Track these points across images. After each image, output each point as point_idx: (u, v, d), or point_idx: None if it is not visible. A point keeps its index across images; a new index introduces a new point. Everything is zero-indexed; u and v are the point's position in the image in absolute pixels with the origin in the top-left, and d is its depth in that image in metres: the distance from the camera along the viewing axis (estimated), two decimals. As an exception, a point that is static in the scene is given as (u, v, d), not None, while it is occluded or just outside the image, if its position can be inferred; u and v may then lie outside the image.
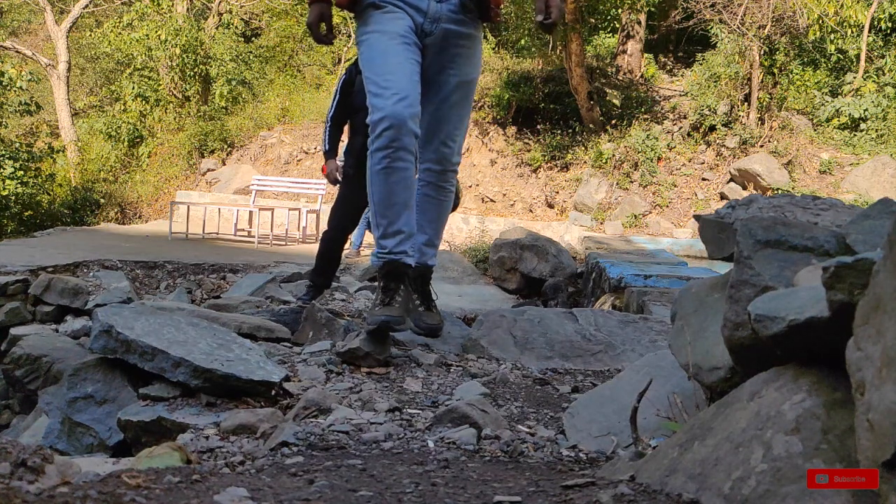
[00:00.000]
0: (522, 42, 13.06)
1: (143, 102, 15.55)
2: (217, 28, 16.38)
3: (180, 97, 15.44)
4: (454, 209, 3.29)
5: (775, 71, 12.01)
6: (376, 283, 2.49)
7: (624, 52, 14.58)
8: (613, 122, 12.64)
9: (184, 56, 14.73)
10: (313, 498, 1.08)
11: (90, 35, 17.30)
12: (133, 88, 15.54)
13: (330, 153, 4.49)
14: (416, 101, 2.30)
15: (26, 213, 12.98)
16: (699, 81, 12.84)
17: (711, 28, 12.62)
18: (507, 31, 13.12)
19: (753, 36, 11.58)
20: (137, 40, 14.77)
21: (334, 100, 4.37)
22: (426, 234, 2.65)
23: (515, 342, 2.65)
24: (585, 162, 12.09)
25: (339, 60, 15.28)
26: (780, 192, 10.15)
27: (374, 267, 2.48)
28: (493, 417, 1.65)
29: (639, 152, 11.79)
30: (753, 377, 1.13)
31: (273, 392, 1.99)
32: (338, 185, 4.56)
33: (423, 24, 2.39)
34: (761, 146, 11.57)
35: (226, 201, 11.90)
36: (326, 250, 4.45)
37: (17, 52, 16.32)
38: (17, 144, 13.50)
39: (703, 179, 11.70)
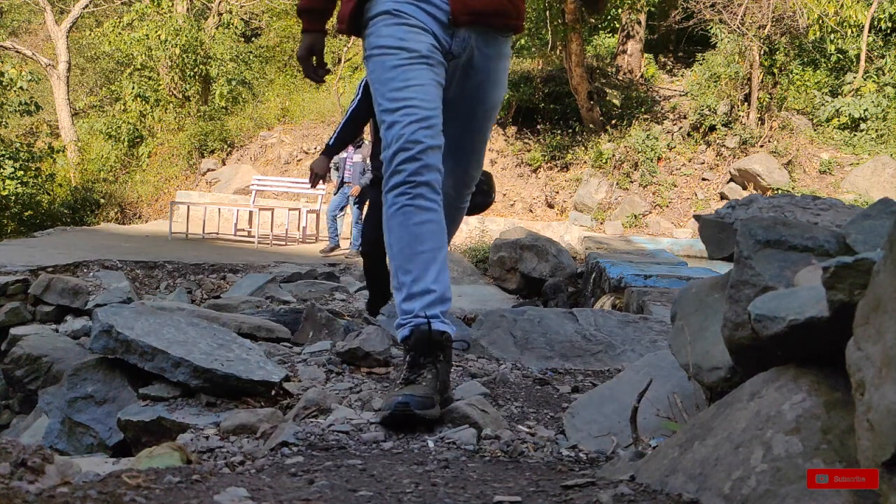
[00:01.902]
0: (522, 42, 13.07)
1: (143, 102, 15.56)
2: (217, 28, 16.38)
3: (180, 97, 15.44)
4: (486, 208, 3.07)
5: (775, 71, 12.01)
6: (402, 360, 1.91)
7: (624, 52, 14.58)
8: (613, 122, 12.64)
9: (184, 56, 14.73)
10: (313, 498, 1.08)
11: (90, 35, 17.30)
12: (133, 88, 15.54)
13: (330, 149, 4.10)
14: (439, 132, 1.87)
15: (26, 213, 12.99)
16: (699, 81, 12.84)
17: (711, 28, 12.62)
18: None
19: (753, 36, 11.58)
20: (137, 40, 14.77)
21: (356, 98, 4.01)
22: None
23: (515, 342, 2.65)
24: (585, 162, 12.10)
25: (340, 60, 15.27)
26: (780, 192, 10.15)
27: (399, 340, 1.83)
28: (493, 417, 1.65)
29: (639, 152, 11.80)
30: (753, 377, 1.13)
31: (273, 392, 1.99)
32: (315, 187, 4.28)
33: (452, 45, 1.97)
34: (761, 146, 11.57)
35: (226, 201, 11.90)
36: (371, 267, 3.91)
37: (17, 52, 16.32)
38: (17, 144, 13.50)
39: (703, 179, 11.70)
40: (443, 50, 1.96)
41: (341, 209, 9.00)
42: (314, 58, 2.13)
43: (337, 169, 8.85)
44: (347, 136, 4.12)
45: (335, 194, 8.94)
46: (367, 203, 4.07)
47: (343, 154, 8.70)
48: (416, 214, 1.79)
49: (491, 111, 2.15)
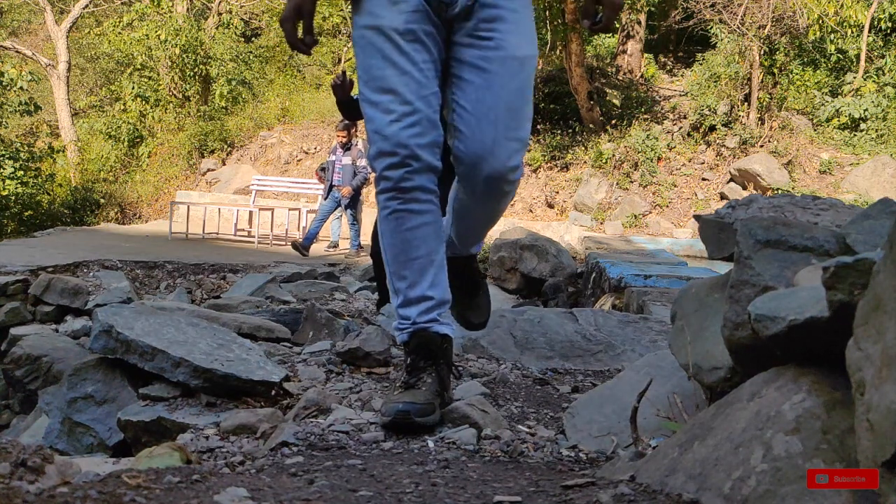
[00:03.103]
0: (522, 42, 13.02)
1: (143, 102, 15.57)
2: (217, 28, 16.39)
3: (180, 97, 15.45)
4: None
5: (775, 71, 12.01)
6: (403, 360, 1.84)
7: (624, 52, 14.59)
8: (613, 122, 12.64)
9: (184, 56, 14.73)
10: (313, 498, 1.08)
11: (90, 35, 17.31)
12: (133, 88, 15.55)
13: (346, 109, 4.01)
14: (430, 125, 1.65)
15: (26, 213, 13.00)
16: (699, 81, 12.85)
17: (711, 28, 12.62)
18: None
19: (753, 36, 11.59)
20: (137, 40, 14.78)
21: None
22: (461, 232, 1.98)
23: (515, 342, 2.65)
24: (585, 162, 12.10)
25: (339, 60, 15.28)
26: (780, 192, 10.15)
27: (399, 343, 1.79)
28: (493, 417, 1.65)
29: (639, 152, 11.80)
30: (753, 377, 1.13)
31: (273, 392, 1.99)
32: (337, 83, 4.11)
33: None
34: (761, 146, 11.57)
35: (226, 201, 11.90)
36: (380, 272, 3.75)
37: (17, 52, 16.32)
38: (18, 144, 13.51)
39: (703, 179, 11.70)
40: (433, 2, 1.66)
41: (333, 211, 8.74)
42: (301, 22, 1.75)
43: (325, 170, 8.66)
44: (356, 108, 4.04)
45: (325, 198, 8.69)
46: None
47: (331, 157, 8.56)
48: (407, 220, 1.68)
49: (516, 64, 1.70)
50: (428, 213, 1.69)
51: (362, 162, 8.35)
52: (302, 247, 8.45)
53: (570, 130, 12.71)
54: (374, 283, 6.73)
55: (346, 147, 8.42)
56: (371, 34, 1.66)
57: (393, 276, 1.73)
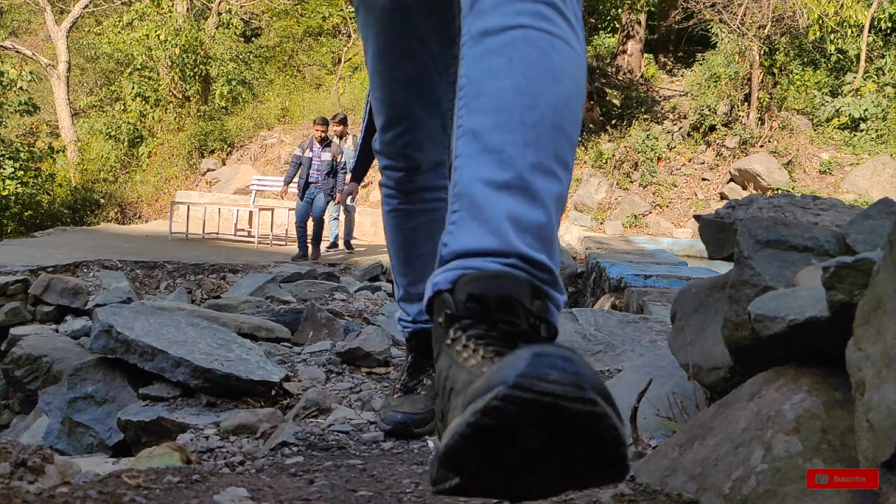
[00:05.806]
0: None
1: (143, 102, 15.56)
2: (217, 28, 16.39)
3: (180, 97, 15.44)
4: None
5: (775, 71, 12.01)
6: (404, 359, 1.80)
7: (624, 52, 14.59)
8: (613, 122, 12.64)
9: (184, 56, 14.73)
10: (313, 498, 1.08)
11: (89, 33, 17.30)
12: (133, 88, 15.55)
13: (354, 175, 3.86)
14: (427, 117, 1.52)
15: (26, 213, 13.00)
16: (699, 81, 12.85)
17: (711, 28, 12.63)
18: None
19: (753, 36, 11.59)
20: (137, 40, 14.78)
21: (364, 117, 3.65)
22: (485, 149, 0.81)
23: (515, 342, 2.63)
24: (585, 162, 12.10)
25: (339, 61, 15.27)
26: (780, 192, 10.15)
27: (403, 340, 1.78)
28: (493, 417, 1.64)
29: (639, 152, 11.80)
30: (753, 377, 1.13)
31: (273, 392, 1.99)
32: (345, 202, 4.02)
33: None
34: (761, 146, 11.57)
35: (226, 201, 11.89)
36: None
37: (17, 52, 16.32)
38: (18, 144, 13.51)
39: (703, 179, 11.70)
40: None
41: (308, 212, 8.24)
42: None
43: (300, 165, 8.20)
44: (363, 163, 3.85)
45: (300, 199, 8.22)
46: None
47: (307, 153, 8.18)
48: (410, 219, 1.62)
49: None
50: (433, 212, 1.60)
51: (343, 158, 8.01)
52: (300, 257, 8.16)
53: (570, 130, 12.70)
54: (373, 283, 6.73)
55: (325, 143, 8.09)
56: (363, 13, 1.45)
57: (394, 270, 1.70)
